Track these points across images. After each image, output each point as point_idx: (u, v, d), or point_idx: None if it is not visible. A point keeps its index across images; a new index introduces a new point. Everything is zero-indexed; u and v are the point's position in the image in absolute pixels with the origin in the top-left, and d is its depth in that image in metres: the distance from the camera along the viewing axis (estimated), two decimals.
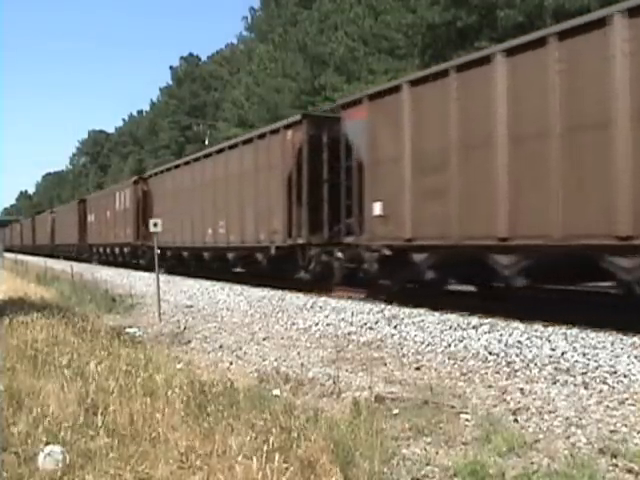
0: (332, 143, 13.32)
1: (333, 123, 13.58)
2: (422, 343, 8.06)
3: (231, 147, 18.24)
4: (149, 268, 23.14)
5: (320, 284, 13.69)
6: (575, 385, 5.82)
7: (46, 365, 6.12)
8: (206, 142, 46.06)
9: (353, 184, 12.22)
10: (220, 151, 19.01)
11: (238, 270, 19.19)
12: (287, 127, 14.80)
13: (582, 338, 7.46)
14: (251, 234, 16.14)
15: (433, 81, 10.46)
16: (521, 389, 5.77)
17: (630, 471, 3.86)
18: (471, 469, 3.78)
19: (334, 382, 6.01)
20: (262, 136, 16.20)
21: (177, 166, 23.16)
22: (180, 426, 4.36)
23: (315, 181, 13.75)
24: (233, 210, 17.31)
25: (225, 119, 42.75)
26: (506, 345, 7.45)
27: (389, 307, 10.84)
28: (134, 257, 27.22)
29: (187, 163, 21.98)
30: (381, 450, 4.02)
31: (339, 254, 13.12)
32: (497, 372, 6.50)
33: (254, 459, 3.59)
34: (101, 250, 33.44)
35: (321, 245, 13.74)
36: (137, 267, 25.92)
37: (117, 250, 29.57)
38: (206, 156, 20.13)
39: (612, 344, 7.06)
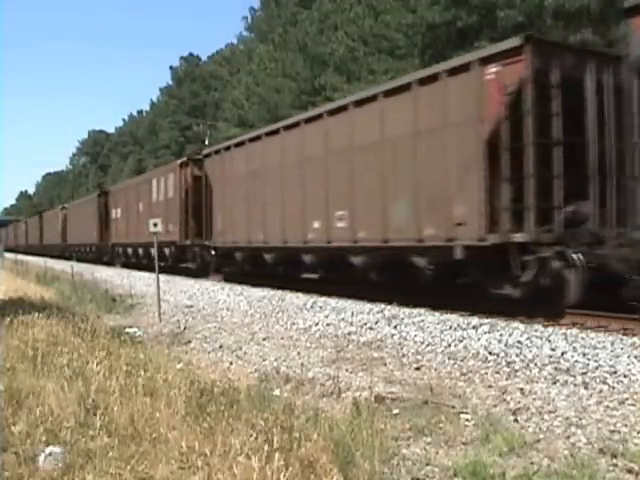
0: (568, 84, 8.98)
1: (566, 54, 9.44)
2: (422, 343, 8.07)
3: (360, 103, 12.39)
4: (200, 274, 20.32)
5: (541, 305, 9.13)
6: (575, 385, 5.82)
7: (46, 365, 6.11)
8: (206, 142, 46.03)
9: None
10: (337, 111, 13.14)
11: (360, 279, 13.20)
12: (489, 60, 9.50)
13: (582, 338, 7.46)
14: (404, 228, 10.95)
15: None
16: (521, 389, 5.77)
17: (630, 471, 3.86)
18: (471, 469, 3.78)
19: (334, 382, 6.01)
20: (429, 80, 10.60)
21: (254, 139, 16.73)
22: (180, 426, 4.36)
23: (541, 144, 9.00)
24: (366, 194, 11.96)
25: (225, 119, 42.73)
26: (506, 345, 7.45)
27: (389, 307, 10.84)
28: (179, 260, 21.81)
29: (273, 133, 15.75)
30: (381, 450, 4.02)
31: (577, 257, 8.67)
32: (497, 372, 6.50)
33: (255, 459, 3.59)
34: (129, 251, 27.85)
35: (551, 244, 8.96)
36: (183, 272, 21.83)
37: (153, 252, 24.02)
38: (309, 120, 14.15)
39: (612, 344, 7.07)
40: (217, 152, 19.21)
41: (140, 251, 26.34)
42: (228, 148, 18.40)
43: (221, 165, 18.64)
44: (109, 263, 31.20)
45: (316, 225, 13.49)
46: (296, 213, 14.24)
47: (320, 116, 13.81)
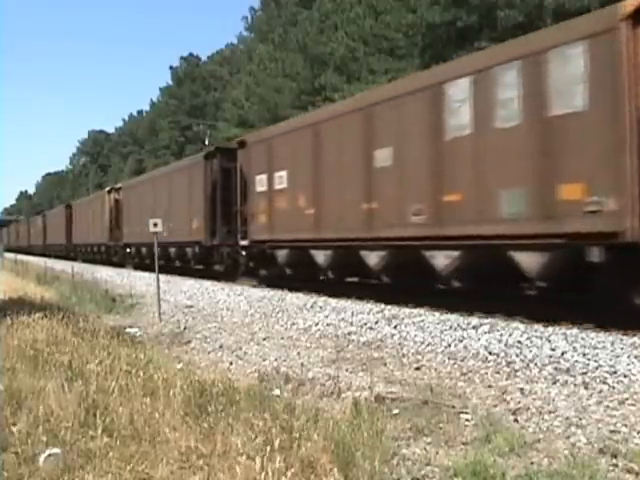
0: None
1: None
2: (422, 343, 8.06)
3: None
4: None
5: None
6: (575, 385, 5.82)
7: (46, 365, 6.12)
8: (206, 142, 46.02)
9: None
10: None
11: None
12: None
13: (582, 338, 7.46)
14: None
15: None
16: (521, 389, 5.77)
17: (630, 471, 3.86)
18: (471, 469, 3.78)
19: (334, 382, 6.01)
20: None
21: None
22: (180, 426, 4.36)
23: None
24: None
25: (225, 119, 42.77)
26: (506, 345, 7.45)
27: (389, 307, 10.84)
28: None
29: None
30: (381, 450, 4.02)
31: None
32: (497, 372, 6.50)
33: (255, 459, 3.59)
34: (320, 258, 13.34)
35: None
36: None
37: (439, 260, 10.35)
38: None
39: (612, 344, 7.07)
40: None
41: (372, 259, 11.79)
42: None
43: None
44: (224, 277, 18.02)
45: None
46: None
47: None
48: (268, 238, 15.15)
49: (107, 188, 32.14)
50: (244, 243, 16.19)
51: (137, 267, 25.52)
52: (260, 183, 15.28)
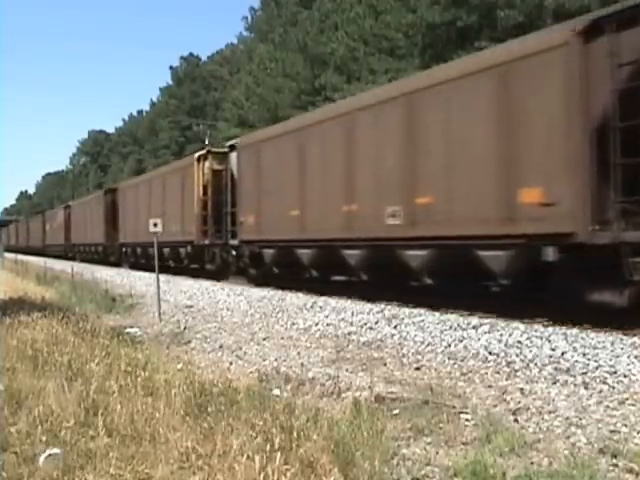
0: None
1: None
2: (422, 343, 8.06)
3: None
4: None
5: None
6: (575, 385, 5.81)
7: (46, 365, 6.12)
8: (206, 142, 46.03)
9: None
10: None
11: None
12: None
13: (582, 338, 7.46)
14: None
15: None
16: (521, 389, 5.77)
17: (630, 471, 3.86)
18: (471, 469, 3.77)
19: (334, 382, 6.01)
20: None
21: None
22: (180, 426, 4.36)
23: None
24: None
25: (225, 119, 42.78)
26: (506, 345, 7.45)
27: (389, 307, 10.84)
28: None
29: None
30: (381, 450, 4.02)
31: None
32: (497, 372, 6.50)
33: (255, 459, 3.59)
34: None
35: None
36: None
37: None
38: None
39: (612, 344, 7.06)
40: None
41: None
42: None
43: None
44: None
45: None
46: None
47: None
48: None
49: (197, 154, 19.68)
50: None
51: (261, 284, 16.05)
52: None
